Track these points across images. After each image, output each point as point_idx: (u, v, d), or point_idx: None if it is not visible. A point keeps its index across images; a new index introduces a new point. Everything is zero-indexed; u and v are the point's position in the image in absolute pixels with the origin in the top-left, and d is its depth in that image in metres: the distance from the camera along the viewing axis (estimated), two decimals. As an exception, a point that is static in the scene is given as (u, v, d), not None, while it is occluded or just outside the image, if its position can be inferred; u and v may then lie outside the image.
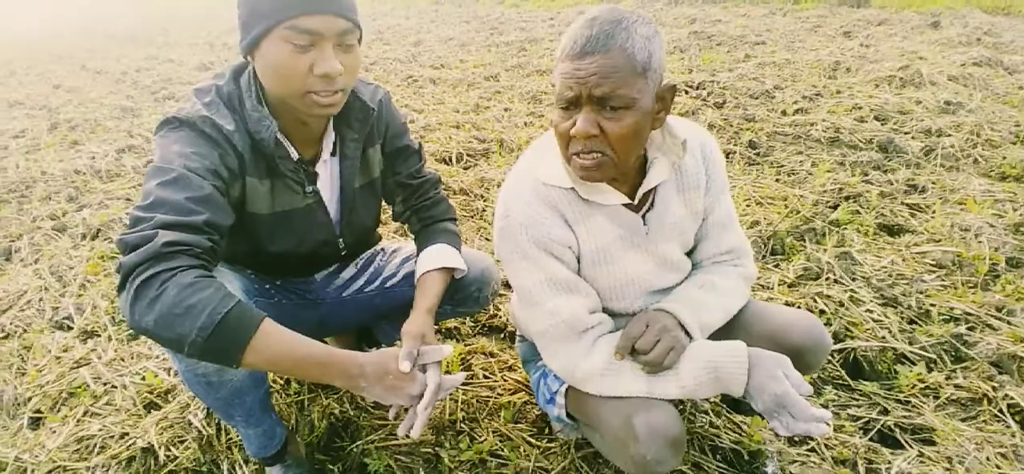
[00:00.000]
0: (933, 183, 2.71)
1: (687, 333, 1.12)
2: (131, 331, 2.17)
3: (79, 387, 1.88)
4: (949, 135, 3.21)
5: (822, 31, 6.31)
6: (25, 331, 2.30)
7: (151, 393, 1.78)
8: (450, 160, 3.59)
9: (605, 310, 1.22)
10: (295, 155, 1.20)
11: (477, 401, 1.66)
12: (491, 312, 2.03)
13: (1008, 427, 1.50)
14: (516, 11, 10.82)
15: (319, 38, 1.03)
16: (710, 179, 1.20)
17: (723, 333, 1.22)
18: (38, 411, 1.84)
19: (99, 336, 2.17)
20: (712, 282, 1.22)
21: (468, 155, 3.64)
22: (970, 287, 2.00)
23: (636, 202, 1.15)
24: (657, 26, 1.00)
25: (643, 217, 1.16)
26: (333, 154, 1.30)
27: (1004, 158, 2.94)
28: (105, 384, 1.87)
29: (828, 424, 0.99)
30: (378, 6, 14.90)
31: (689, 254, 1.29)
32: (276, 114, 1.15)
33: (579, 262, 1.17)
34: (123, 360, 1.98)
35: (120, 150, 4.46)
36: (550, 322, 1.14)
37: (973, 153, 3.01)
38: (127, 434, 1.63)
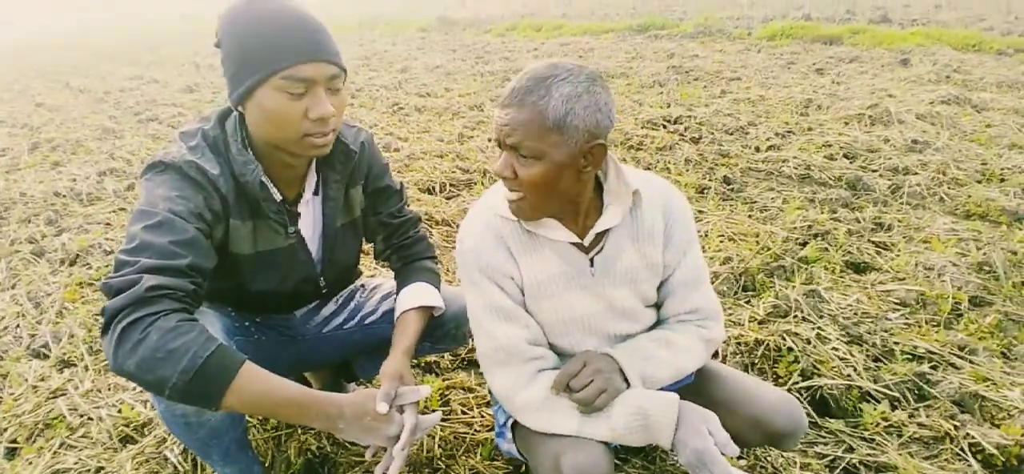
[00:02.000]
0: (899, 221, 2.81)
1: (626, 380, 1.16)
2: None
3: (55, 418, 1.88)
4: (916, 173, 3.33)
5: (795, 68, 6.50)
6: (1, 358, 2.28)
7: (127, 426, 1.78)
8: (434, 190, 3.64)
9: (552, 347, 1.25)
10: (278, 197, 1.23)
11: (454, 437, 1.69)
12: (470, 346, 2.06)
13: (970, 466, 1.53)
14: (501, 41, 11.00)
15: (312, 84, 1.09)
16: (671, 234, 1.23)
17: (713, 410, 1.19)
18: (14, 441, 1.83)
19: (76, 365, 2.16)
20: (668, 338, 1.24)
21: (451, 185, 3.69)
22: (933, 326, 2.07)
23: (587, 244, 1.20)
24: (593, 86, 1.04)
25: (591, 259, 1.20)
26: (315, 193, 1.34)
27: (969, 196, 3.04)
28: (81, 416, 1.87)
29: None
30: (366, 32, 15.04)
31: (658, 309, 1.32)
32: (260, 157, 1.19)
33: (524, 294, 1.22)
34: (100, 391, 1.98)
35: (101, 173, 4.45)
36: (489, 345, 1.20)
37: (939, 191, 3.12)
38: (103, 468, 1.64)
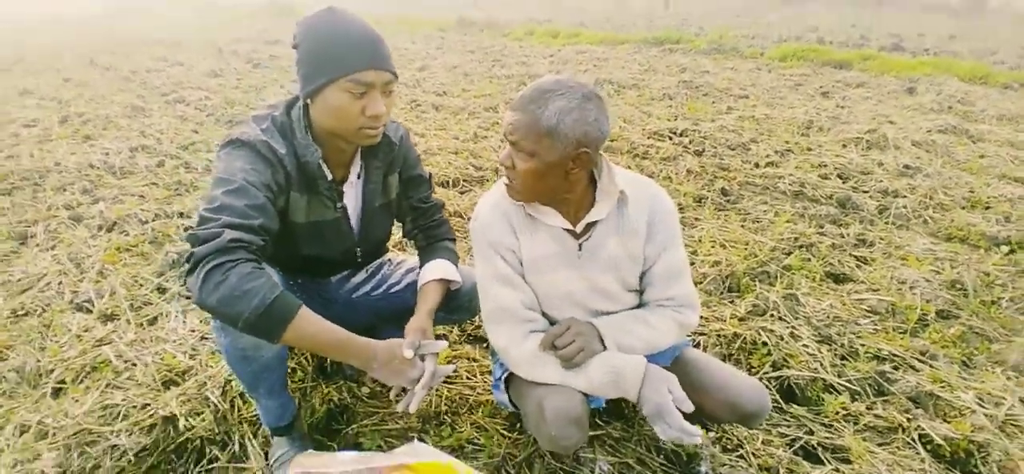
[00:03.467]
0: (881, 239, 3.00)
1: (603, 345, 1.39)
2: (150, 316, 2.38)
3: (102, 363, 2.08)
4: (904, 196, 3.51)
5: (802, 89, 6.68)
6: (44, 310, 2.49)
7: (170, 371, 2.00)
8: (448, 184, 3.86)
9: (544, 316, 1.48)
10: (330, 177, 1.46)
11: (459, 398, 1.91)
12: (476, 324, 2.28)
13: (919, 454, 1.72)
14: (519, 45, 11.22)
15: (371, 87, 1.32)
16: (653, 231, 1.44)
17: (688, 392, 1.34)
18: (61, 382, 2.02)
19: (118, 319, 2.38)
20: (645, 317, 1.46)
21: (465, 181, 3.92)
22: (900, 332, 2.26)
23: (579, 231, 1.42)
24: (586, 103, 1.24)
25: (581, 244, 1.43)
26: (359, 177, 1.57)
27: (952, 221, 3.22)
28: (126, 361, 2.07)
29: (698, 437, 1.26)
30: (384, 28, 15.31)
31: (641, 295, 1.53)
32: (318, 143, 1.42)
33: (523, 265, 1.44)
34: (143, 342, 2.19)
35: (133, 148, 4.69)
36: (492, 305, 1.44)
37: (924, 214, 3.30)
38: (148, 405, 1.84)
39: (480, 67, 8.64)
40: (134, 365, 2.06)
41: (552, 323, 1.48)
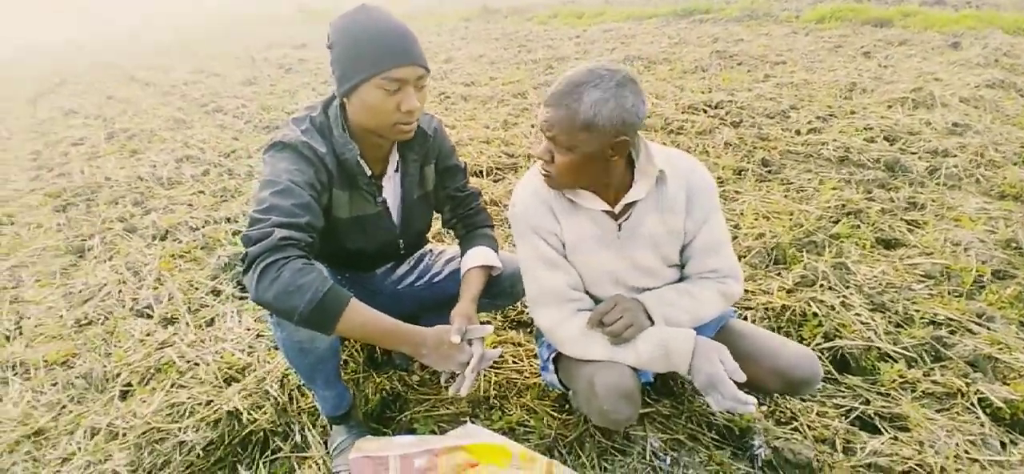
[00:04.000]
0: (933, 201, 2.90)
1: (650, 319, 1.39)
2: (208, 318, 2.48)
3: (165, 364, 2.19)
4: (954, 155, 3.38)
5: (842, 51, 6.45)
6: (107, 318, 2.61)
7: (230, 369, 2.08)
8: (481, 173, 3.88)
9: (588, 295, 1.49)
10: (369, 172, 1.49)
11: (507, 382, 1.93)
12: (519, 309, 2.30)
13: (978, 418, 1.68)
14: (544, 29, 11.12)
15: (404, 83, 1.34)
16: (692, 206, 1.43)
17: (740, 362, 1.34)
18: (128, 385, 2.13)
19: (178, 322, 2.48)
20: (688, 289, 1.45)
21: (498, 169, 3.93)
22: (955, 296, 2.19)
23: (618, 212, 1.43)
24: (621, 90, 1.23)
25: (620, 224, 1.43)
26: (396, 171, 1.61)
27: (1005, 178, 3.09)
28: (188, 361, 2.17)
29: (753, 406, 1.25)
30: (409, 23, 15.33)
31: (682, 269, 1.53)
32: (355, 139, 1.45)
33: (565, 248, 1.46)
34: (202, 342, 2.29)
35: (178, 159, 4.85)
36: (537, 288, 1.46)
37: (975, 173, 3.18)
38: (212, 401, 1.92)
39: (506, 54, 8.61)
40: (196, 365, 2.16)
41: (596, 302, 1.49)
